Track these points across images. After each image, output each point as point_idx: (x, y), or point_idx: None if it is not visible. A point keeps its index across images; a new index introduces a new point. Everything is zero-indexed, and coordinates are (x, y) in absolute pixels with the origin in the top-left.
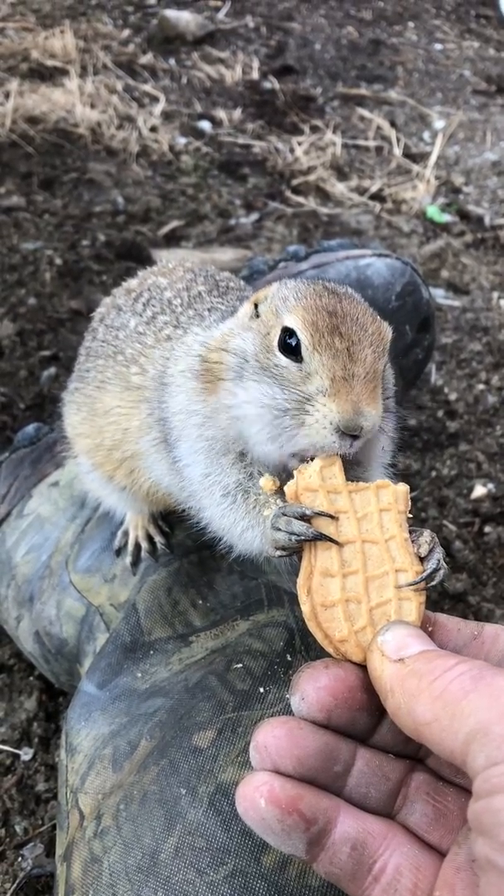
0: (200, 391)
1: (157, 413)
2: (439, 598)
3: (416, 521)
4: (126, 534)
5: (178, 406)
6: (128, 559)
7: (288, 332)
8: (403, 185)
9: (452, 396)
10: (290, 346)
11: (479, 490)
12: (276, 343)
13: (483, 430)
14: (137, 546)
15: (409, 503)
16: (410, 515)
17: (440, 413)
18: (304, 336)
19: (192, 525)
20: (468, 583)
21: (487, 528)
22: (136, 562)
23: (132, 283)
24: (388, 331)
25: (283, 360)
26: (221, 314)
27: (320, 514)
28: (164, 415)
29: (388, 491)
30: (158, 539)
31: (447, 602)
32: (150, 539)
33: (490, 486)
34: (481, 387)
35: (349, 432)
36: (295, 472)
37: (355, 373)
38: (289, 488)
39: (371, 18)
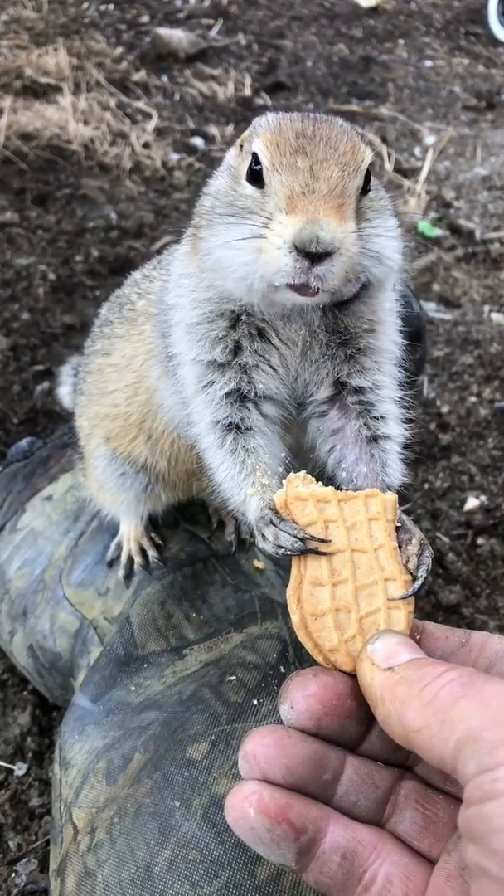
0: (190, 254)
1: (161, 319)
2: (433, 610)
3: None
4: (119, 546)
5: (173, 281)
6: (121, 572)
7: (255, 159)
8: (395, 200)
9: (445, 409)
10: (256, 172)
11: (472, 502)
12: (244, 173)
13: (475, 442)
14: (130, 559)
15: (398, 512)
16: (399, 524)
17: (433, 426)
18: (264, 158)
19: (185, 537)
20: (461, 594)
21: (480, 540)
22: (129, 575)
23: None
24: (365, 151)
25: (248, 188)
26: None
27: (312, 538)
28: (165, 317)
29: (377, 500)
30: (151, 553)
31: (441, 614)
32: (142, 552)
33: (482, 498)
34: (473, 399)
35: (305, 247)
36: (284, 482)
37: (317, 188)
38: (278, 498)
39: (362, 36)
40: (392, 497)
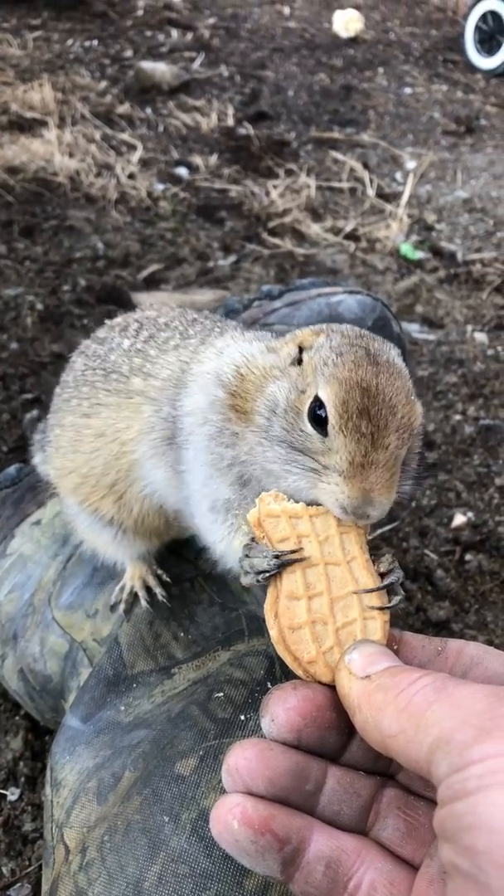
0: (226, 406)
1: (167, 410)
2: (423, 627)
3: (398, 551)
4: (122, 590)
5: (194, 406)
6: (122, 607)
7: (319, 402)
8: (377, 225)
9: (430, 427)
10: (319, 417)
11: (459, 519)
12: (307, 409)
13: (461, 459)
14: (133, 594)
15: (368, 526)
16: (370, 536)
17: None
18: (332, 415)
19: (171, 558)
20: (450, 610)
21: (468, 556)
22: (129, 610)
23: (115, 320)
24: (418, 414)
25: (309, 428)
26: (233, 335)
27: (286, 553)
28: (175, 412)
29: None
30: (159, 591)
31: (431, 630)
32: (147, 590)
33: (469, 514)
34: (458, 417)
35: (356, 515)
36: (257, 500)
37: (375, 460)
38: (251, 515)
39: (342, 65)
40: None
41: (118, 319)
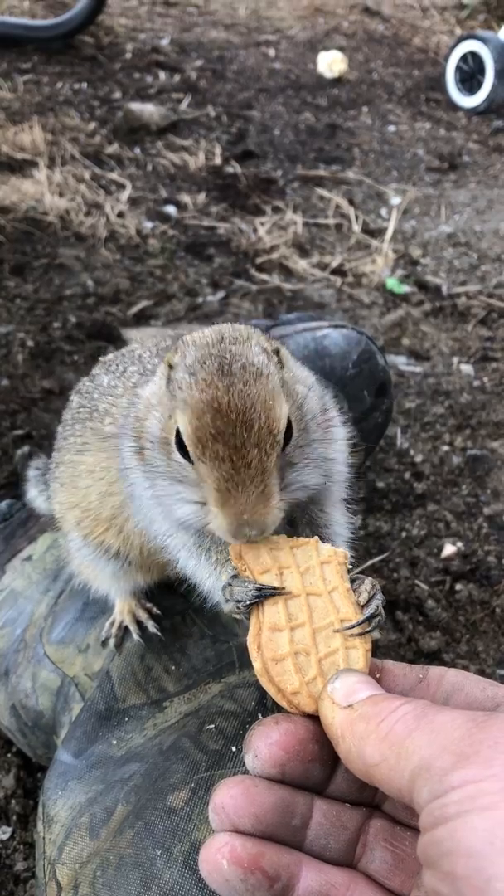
0: (135, 451)
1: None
2: (415, 657)
3: (389, 581)
4: (113, 624)
5: (122, 463)
6: (112, 642)
7: (179, 435)
8: (363, 260)
9: (418, 458)
10: (183, 445)
11: (449, 549)
12: (174, 438)
13: (449, 489)
14: (123, 629)
15: (348, 555)
16: (350, 566)
17: (407, 475)
18: (189, 445)
19: (161, 591)
20: (442, 640)
21: (458, 586)
22: (120, 644)
23: (108, 357)
24: (280, 416)
25: (179, 458)
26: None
27: (262, 586)
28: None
29: (328, 544)
30: (150, 624)
31: (423, 660)
32: (138, 624)
33: (459, 544)
34: (446, 448)
35: (237, 538)
36: None
37: (239, 481)
38: (232, 548)
39: (327, 105)
40: (343, 550)
41: (110, 356)
